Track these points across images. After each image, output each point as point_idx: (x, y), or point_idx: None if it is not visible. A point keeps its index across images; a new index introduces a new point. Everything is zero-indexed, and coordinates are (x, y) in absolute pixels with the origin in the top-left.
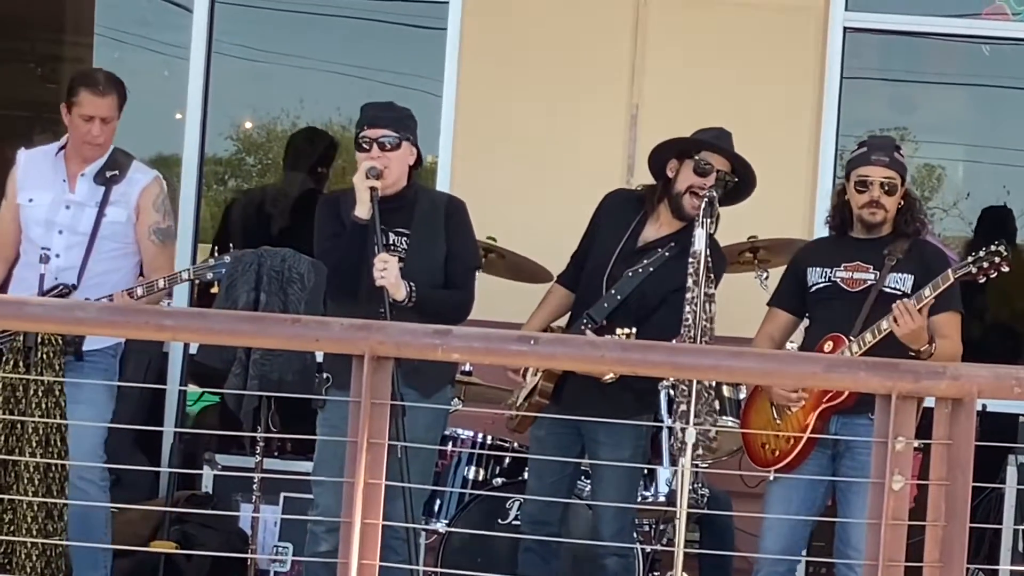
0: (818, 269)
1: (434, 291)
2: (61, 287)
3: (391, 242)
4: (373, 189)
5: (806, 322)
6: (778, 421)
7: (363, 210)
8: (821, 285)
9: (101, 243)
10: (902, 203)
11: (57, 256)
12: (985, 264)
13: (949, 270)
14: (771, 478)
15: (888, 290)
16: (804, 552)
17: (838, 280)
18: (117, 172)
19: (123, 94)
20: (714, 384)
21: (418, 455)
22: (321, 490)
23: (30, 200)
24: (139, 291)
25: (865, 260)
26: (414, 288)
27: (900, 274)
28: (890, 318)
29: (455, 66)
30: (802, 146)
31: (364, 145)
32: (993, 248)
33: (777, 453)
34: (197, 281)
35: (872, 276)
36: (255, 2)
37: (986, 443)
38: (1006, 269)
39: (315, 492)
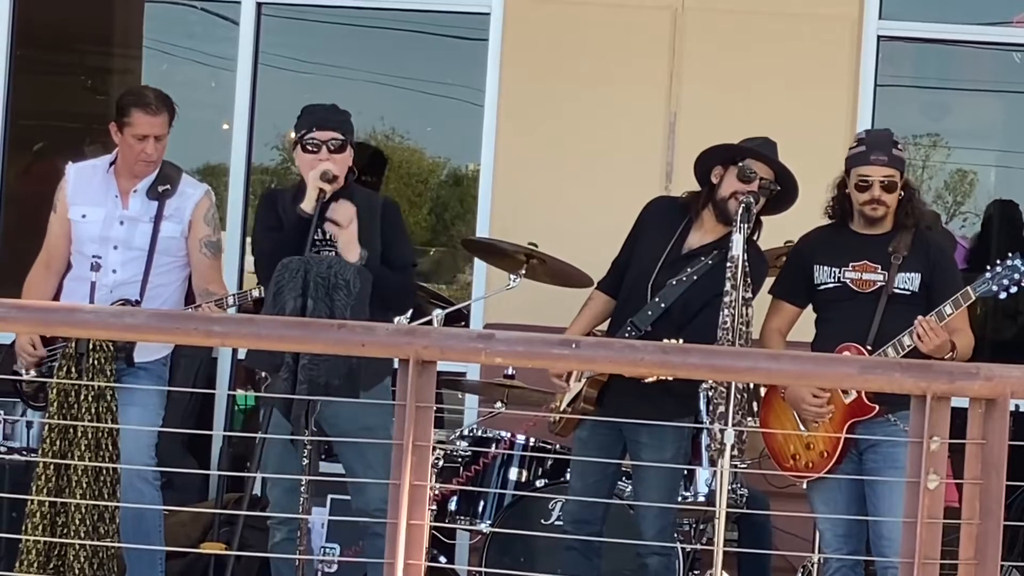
0: (826, 268)
1: (381, 267)
2: (123, 303)
3: (328, 236)
4: (322, 191)
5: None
6: (804, 431)
7: (309, 206)
8: (830, 285)
9: (157, 257)
10: (902, 194)
11: (114, 271)
12: (1005, 281)
13: (969, 288)
14: (803, 486)
15: (898, 291)
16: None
17: (848, 281)
18: (169, 187)
19: (173, 110)
20: (752, 386)
21: (375, 445)
22: (270, 485)
23: (83, 216)
24: (207, 306)
25: (872, 259)
26: (365, 254)
27: (907, 273)
28: (913, 335)
29: (496, 76)
30: (837, 152)
31: (310, 147)
32: (1010, 263)
33: (811, 465)
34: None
35: (881, 277)
36: (300, 14)
37: (1020, 443)
38: None
39: (267, 489)
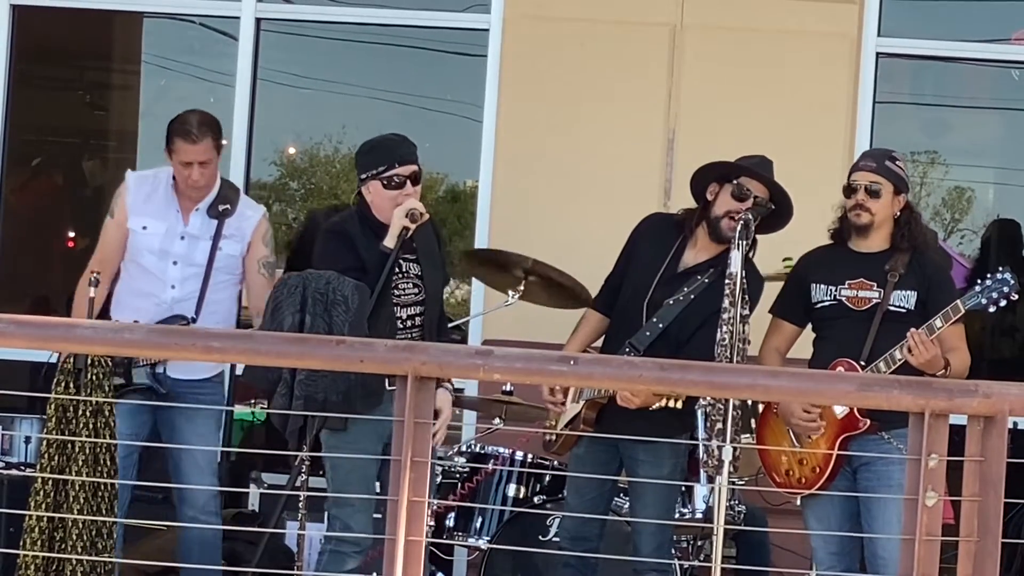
0: (822, 286)
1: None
2: (180, 320)
3: (403, 269)
4: (406, 229)
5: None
6: (797, 446)
7: (392, 243)
8: (827, 303)
9: (215, 275)
10: (898, 215)
11: (173, 287)
12: (994, 295)
13: (959, 301)
14: (797, 502)
15: (893, 308)
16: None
17: (843, 299)
18: (228, 206)
19: (218, 134)
20: (749, 403)
21: None
22: (352, 511)
23: (144, 228)
24: None
25: (868, 277)
26: None
27: (903, 291)
28: (904, 348)
29: (495, 92)
30: (835, 169)
31: (396, 181)
32: (999, 276)
33: (804, 481)
34: None
35: (876, 294)
36: (299, 30)
37: (1017, 460)
38: (1015, 297)
39: (342, 513)
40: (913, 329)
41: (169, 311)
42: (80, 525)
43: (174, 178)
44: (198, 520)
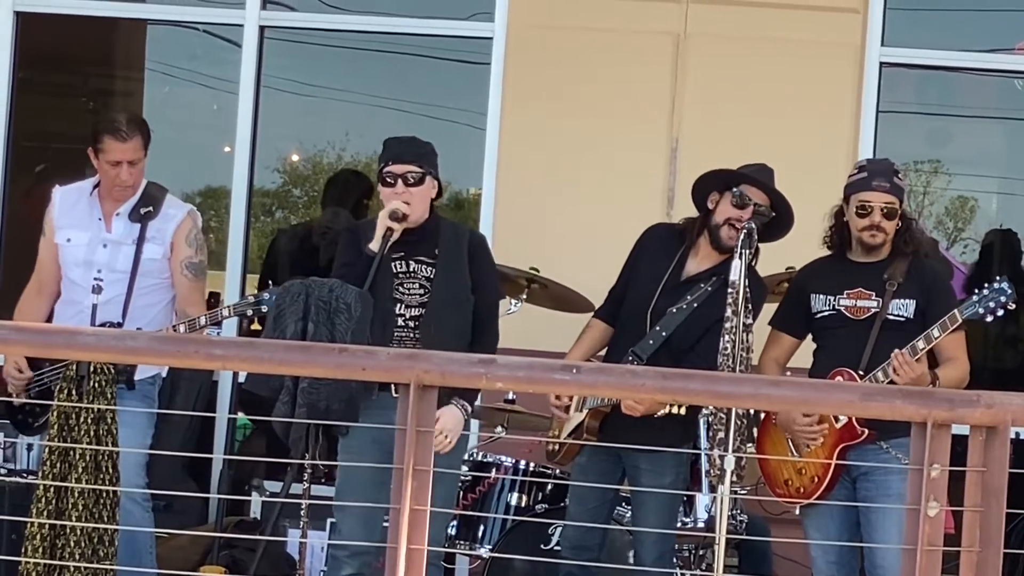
0: (821, 296)
1: (481, 320)
2: (108, 325)
3: (411, 270)
4: (390, 229)
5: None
6: (796, 456)
7: (376, 245)
8: (826, 313)
9: (140, 279)
10: (899, 224)
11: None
12: (991, 304)
13: (956, 311)
14: (796, 512)
15: (892, 317)
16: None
17: (842, 309)
18: (151, 208)
19: (147, 134)
20: (751, 412)
21: (442, 479)
22: (344, 515)
23: (68, 240)
24: (181, 328)
25: (867, 286)
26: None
27: (902, 300)
28: (889, 369)
29: (498, 100)
30: (839, 178)
31: (388, 180)
32: (997, 286)
33: (802, 491)
34: (239, 317)
35: (875, 304)
36: (303, 37)
37: (1020, 470)
38: (1012, 307)
39: (338, 517)
40: (897, 350)
41: (96, 318)
42: (80, 532)
43: (96, 185)
44: (125, 508)
